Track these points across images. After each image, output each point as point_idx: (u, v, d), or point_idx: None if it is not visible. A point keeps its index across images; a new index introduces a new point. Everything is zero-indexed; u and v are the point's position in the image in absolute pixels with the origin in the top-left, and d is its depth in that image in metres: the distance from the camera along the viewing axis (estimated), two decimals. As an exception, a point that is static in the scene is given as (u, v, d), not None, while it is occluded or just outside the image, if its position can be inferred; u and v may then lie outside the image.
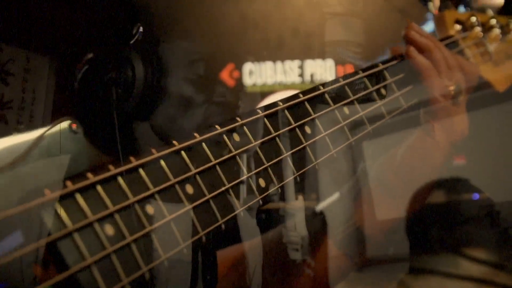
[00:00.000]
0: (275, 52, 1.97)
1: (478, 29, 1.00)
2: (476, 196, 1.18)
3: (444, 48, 0.87)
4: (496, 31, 1.02)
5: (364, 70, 0.81)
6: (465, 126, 0.88)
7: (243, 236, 0.89)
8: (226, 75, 1.95)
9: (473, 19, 1.00)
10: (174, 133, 0.92)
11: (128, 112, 0.88)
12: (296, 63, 2.02)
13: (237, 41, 1.86)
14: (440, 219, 1.15)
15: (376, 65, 0.84)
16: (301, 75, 2.02)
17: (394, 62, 0.85)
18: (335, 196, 0.93)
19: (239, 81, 1.98)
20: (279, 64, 2.02)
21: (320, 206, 0.93)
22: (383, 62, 0.84)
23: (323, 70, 1.99)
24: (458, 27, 1.00)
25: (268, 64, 2.01)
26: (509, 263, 1.12)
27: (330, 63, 1.98)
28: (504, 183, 1.20)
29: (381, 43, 0.86)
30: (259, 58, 1.97)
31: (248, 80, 2.00)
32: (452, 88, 0.84)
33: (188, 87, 0.92)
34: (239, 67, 1.96)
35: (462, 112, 0.86)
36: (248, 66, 1.99)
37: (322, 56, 1.94)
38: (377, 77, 0.82)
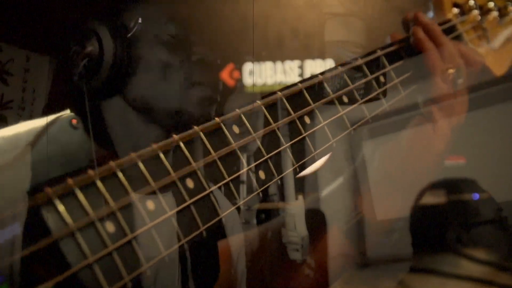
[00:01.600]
0: (275, 52, 1.97)
1: (476, 12, 0.99)
2: (476, 196, 1.18)
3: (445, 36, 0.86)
4: (494, 13, 1.01)
5: (362, 57, 0.80)
6: (463, 109, 0.87)
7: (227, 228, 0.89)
8: (226, 75, 1.95)
9: (471, 2, 0.99)
10: (154, 101, 0.90)
11: (99, 88, 0.85)
12: (296, 63, 2.02)
13: (237, 41, 1.86)
14: (448, 220, 1.15)
15: (374, 52, 0.83)
16: (301, 75, 2.02)
17: (393, 48, 0.84)
18: (336, 184, 0.92)
19: (239, 81, 1.98)
20: (279, 64, 2.02)
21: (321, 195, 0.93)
22: (382, 48, 0.83)
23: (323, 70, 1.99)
24: (456, 10, 0.99)
25: (268, 64, 2.01)
26: (509, 263, 1.12)
27: (330, 63, 1.98)
28: (505, 183, 1.20)
29: (381, 43, 0.85)
30: (259, 58, 1.98)
31: (248, 80, 2.00)
32: (452, 71, 0.83)
33: (161, 50, 0.89)
34: (239, 67, 1.97)
35: (461, 96, 0.85)
36: (248, 66, 1.99)
37: (322, 56, 1.94)
38: (376, 65, 0.81)
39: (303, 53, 1.98)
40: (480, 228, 1.15)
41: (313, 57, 1.98)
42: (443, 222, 1.15)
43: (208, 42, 0.96)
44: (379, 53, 0.82)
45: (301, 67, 2.02)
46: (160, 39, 0.88)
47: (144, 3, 0.91)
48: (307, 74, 2.03)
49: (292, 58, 2.01)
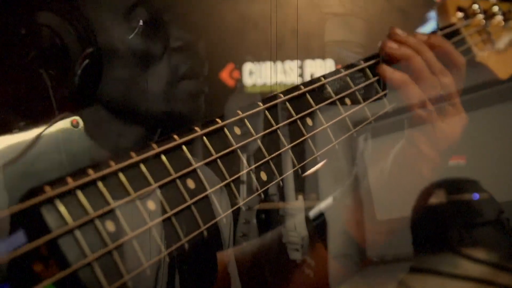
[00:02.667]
0: (275, 52, 1.97)
1: (480, 16, 0.99)
2: (476, 196, 1.18)
3: (427, 50, 0.83)
4: (499, 18, 1.01)
5: (366, 60, 0.80)
6: (453, 131, 0.83)
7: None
8: (226, 75, 1.95)
9: (475, 6, 0.99)
10: (136, 100, 0.79)
11: (73, 94, 0.72)
12: (296, 63, 2.02)
13: (237, 41, 1.86)
14: (449, 220, 1.14)
15: (377, 55, 0.83)
16: (301, 75, 2.02)
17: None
18: (328, 201, 0.92)
19: (239, 81, 1.98)
20: (279, 64, 2.01)
21: (313, 212, 0.92)
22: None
23: (323, 70, 1.99)
24: (460, 14, 0.99)
25: (268, 64, 2.01)
26: (509, 263, 1.12)
27: (330, 63, 1.97)
28: (505, 183, 1.20)
29: (395, 27, 0.85)
30: (259, 58, 1.97)
31: (248, 80, 2.00)
32: (437, 94, 0.81)
33: (135, 38, 0.77)
34: (239, 67, 1.96)
35: (450, 118, 0.82)
36: (248, 66, 1.99)
37: (322, 56, 1.94)
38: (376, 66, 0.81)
39: (303, 53, 1.98)
40: (482, 228, 1.15)
41: (313, 57, 1.98)
42: (444, 222, 1.15)
43: (185, 24, 0.86)
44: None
45: (301, 67, 2.01)
46: (131, 26, 0.77)
47: None
48: (307, 74, 2.02)
49: (292, 58, 2.01)
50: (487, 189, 1.17)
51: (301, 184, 0.82)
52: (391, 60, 0.82)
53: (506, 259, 1.12)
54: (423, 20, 1.28)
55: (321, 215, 0.91)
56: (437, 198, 1.10)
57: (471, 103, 0.90)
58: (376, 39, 0.88)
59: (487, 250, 1.12)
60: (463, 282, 1.10)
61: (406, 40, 0.83)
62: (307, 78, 2.03)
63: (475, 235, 1.14)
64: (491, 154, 1.25)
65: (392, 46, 0.83)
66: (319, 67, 2.00)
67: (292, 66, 2.03)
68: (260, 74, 2.01)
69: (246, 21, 1.77)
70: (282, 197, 0.81)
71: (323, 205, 0.92)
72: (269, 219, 0.96)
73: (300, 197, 0.87)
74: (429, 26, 1.19)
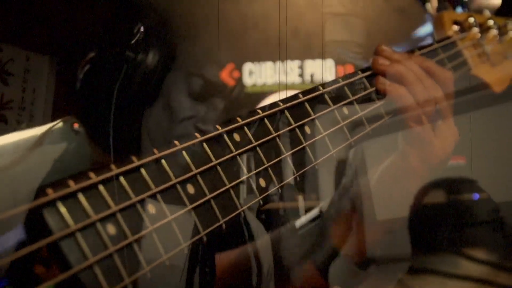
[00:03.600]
0: (275, 52, 1.97)
1: (475, 30, 1.00)
2: (476, 196, 1.19)
3: (414, 64, 0.82)
4: (494, 32, 1.02)
5: (363, 71, 0.81)
6: (446, 147, 0.82)
7: (250, 237, 0.89)
8: (226, 75, 1.95)
9: (471, 20, 1.00)
10: (148, 132, 0.90)
11: (132, 94, 0.86)
12: (296, 63, 2.02)
13: (237, 41, 1.86)
14: (443, 219, 1.15)
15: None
16: (301, 75, 2.02)
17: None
18: (315, 211, 0.92)
19: (239, 81, 1.98)
20: (279, 64, 2.02)
21: (299, 222, 0.92)
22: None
23: (323, 70, 1.99)
24: (456, 28, 1.00)
25: (268, 64, 2.01)
26: (509, 263, 1.12)
27: (330, 63, 1.98)
28: (503, 184, 1.20)
29: (381, 43, 0.85)
30: (259, 58, 1.98)
31: (248, 80, 2.00)
32: (430, 109, 0.81)
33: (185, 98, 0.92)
34: (239, 67, 1.96)
35: (442, 134, 0.82)
36: (248, 66, 1.99)
37: (322, 56, 1.94)
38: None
39: (303, 53, 1.98)
40: (480, 228, 1.15)
41: (313, 57, 1.98)
42: (441, 222, 1.15)
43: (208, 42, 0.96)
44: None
45: (301, 67, 2.02)
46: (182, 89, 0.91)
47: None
48: (307, 74, 2.03)
49: (292, 58, 2.01)
50: (486, 189, 1.18)
51: (301, 185, 0.82)
52: (384, 76, 0.82)
53: (506, 259, 1.12)
54: (422, 20, 1.28)
55: (308, 224, 0.92)
56: (435, 198, 1.11)
57: (471, 103, 0.91)
58: (376, 39, 0.88)
59: (487, 250, 1.13)
60: (463, 282, 1.11)
61: (392, 56, 0.83)
62: (307, 78, 2.03)
63: (474, 235, 1.15)
64: (490, 154, 1.26)
65: (384, 62, 0.83)
66: (319, 67, 2.00)
67: (292, 66, 2.03)
68: (260, 74, 2.02)
69: (246, 21, 1.77)
70: (282, 197, 0.81)
71: (310, 214, 0.92)
72: (269, 219, 0.96)
73: (300, 197, 0.88)
74: (429, 26, 1.19)
